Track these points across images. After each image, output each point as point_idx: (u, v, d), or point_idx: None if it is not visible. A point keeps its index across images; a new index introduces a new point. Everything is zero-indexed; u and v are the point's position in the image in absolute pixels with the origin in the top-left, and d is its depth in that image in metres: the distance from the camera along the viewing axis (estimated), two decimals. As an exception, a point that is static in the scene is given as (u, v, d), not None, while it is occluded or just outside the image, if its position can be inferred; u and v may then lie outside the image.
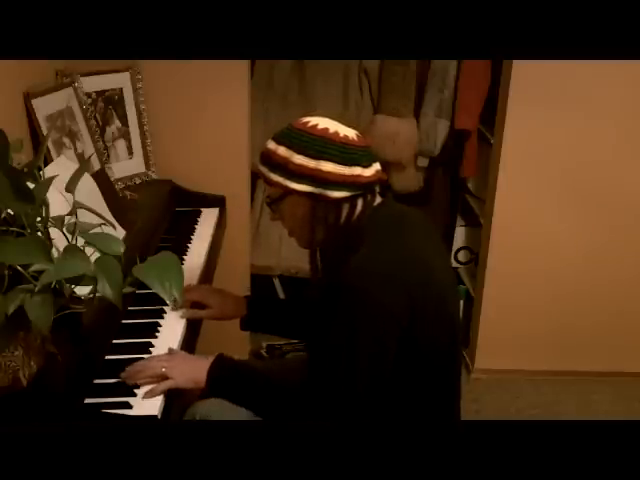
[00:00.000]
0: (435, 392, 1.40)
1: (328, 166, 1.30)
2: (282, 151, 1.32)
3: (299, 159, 1.31)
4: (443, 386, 1.42)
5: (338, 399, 1.29)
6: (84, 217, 1.16)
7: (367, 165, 1.34)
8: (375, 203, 1.38)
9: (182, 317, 1.61)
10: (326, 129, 1.33)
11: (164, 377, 1.35)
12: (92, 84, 2.09)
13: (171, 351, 1.47)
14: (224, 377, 1.40)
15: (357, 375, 1.29)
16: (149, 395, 1.32)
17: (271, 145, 1.35)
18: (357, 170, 1.32)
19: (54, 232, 1.11)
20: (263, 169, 1.37)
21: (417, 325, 1.30)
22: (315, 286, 1.45)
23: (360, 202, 1.35)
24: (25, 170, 1.10)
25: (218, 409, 1.44)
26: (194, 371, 1.38)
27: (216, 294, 1.69)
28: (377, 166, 1.37)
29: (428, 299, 1.31)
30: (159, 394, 1.33)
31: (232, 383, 1.40)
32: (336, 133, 1.33)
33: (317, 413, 1.31)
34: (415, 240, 1.38)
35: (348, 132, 1.36)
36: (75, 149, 1.88)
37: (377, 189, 1.40)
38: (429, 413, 1.40)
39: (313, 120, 1.35)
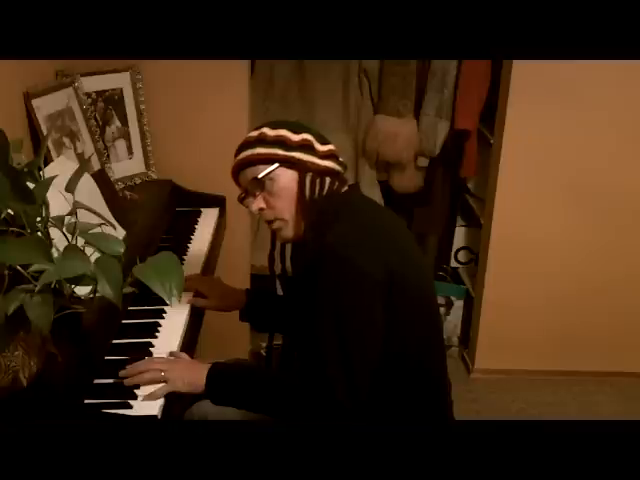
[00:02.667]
0: (420, 383, 1.41)
1: (310, 137, 1.44)
2: (267, 130, 1.44)
3: (284, 132, 1.43)
4: (427, 374, 1.43)
5: (334, 376, 1.29)
6: (84, 217, 1.16)
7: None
8: (342, 190, 1.47)
9: (186, 303, 1.65)
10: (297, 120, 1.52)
11: (163, 381, 1.36)
12: (92, 84, 2.09)
13: (172, 354, 1.47)
14: (223, 382, 1.40)
15: (350, 345, 1.29)
16: (147, 399, 1.32)
17: (254, 132, 1.46)
18: (332, 147, 1.47)
19: (54, 232, 1.11)
20: (248, 151, 1.44)
21: (397, 298, 1.32)
22: (295, 272, 1.52)
23: (337, 180, 1.45)
24: (25, 170, 1.09)
25: (217, 409, 1.44)
26: (193, 377, 1.38)
27: (218, 286, 1.76)
28: (342, 157, 1.51)
29: (405, 275, 1.35)
30: (157, 398, 1.33)
31: (231, 387, 1.40)
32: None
33: (317, 398, 1.31)
34: (387, 221, 1.47)
35: None
36: (75, 149, 1.88)
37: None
38: (416, 405, 1.41)
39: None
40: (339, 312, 1.30)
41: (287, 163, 1.41)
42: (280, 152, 1.41)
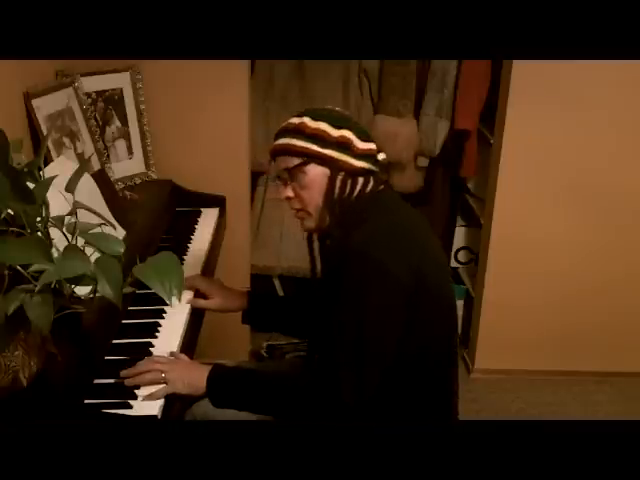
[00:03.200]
0: (433, 378, 1.42)
1: (350, 134, 1.41)
2: (308, 120, 1.42)
3: (324, 126, 1.40)
4: (440, 373, 1.43)
5: (346, 377, 1.29)
6: (84, 217, 1.16)
7: (378, 149, 1.46)
8: (376, 189, 1.45)
9: (186, 303, 1.65)
10: (342, 110, 1.48)
11: (163, 382, 1.36)
12: (92, 84, 2.09)
13: (172, 355, 1.47)
14: (223, 384, 1.40)
15: (367, 347, 1.30)
16: (147, 399, 1.32)
17: (295, 119, 1.44)
18: (373, 145, 1.44)
19: (54, 232, 1.11)
20: (284, 140, 1.43)
21: (418, 298, 1.32)
22: (317, 276, 1.51)
23: (372, 179, 1.44)
24: (25, 170, 1.09)
25: (217, 409, 1.44)
26: (193, 378, 1.39)
27: (218, 286, 1.74)
28: (384, 154, 1.48)
29: (428, 275, 1.35)
30: (157, 399, 1.33)
31: (232, 389, 1.41)
32: (351, 115, 1.48)
33: (321, 397, 1.32)
34: (415, 221, 1.45)
35: None
36: (75, 149, 1.88)
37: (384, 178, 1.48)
38: (427, 401, 1.42)
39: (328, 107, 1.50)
40: (361, 312, 1.30)
41: (320, 160, 1.40)
42: (315, 148, 1.40)
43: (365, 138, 1.43)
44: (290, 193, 1.45)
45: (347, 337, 1.30)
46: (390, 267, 1.29)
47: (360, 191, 1.42)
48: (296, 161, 1.41)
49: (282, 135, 1.44)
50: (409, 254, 1.33)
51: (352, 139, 1.41)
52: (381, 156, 1.46)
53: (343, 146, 1.40)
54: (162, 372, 1.36)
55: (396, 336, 1.33)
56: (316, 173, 1.41)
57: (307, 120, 1.42)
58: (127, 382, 1.34)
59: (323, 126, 1.40)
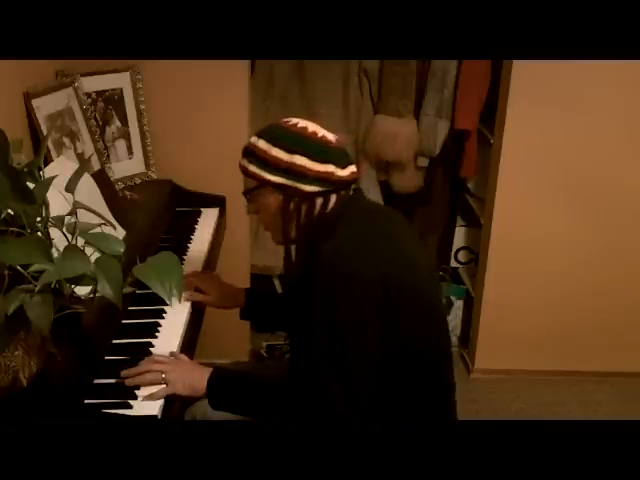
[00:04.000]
0: (424, 385, 1.41)
1: (302, 160, 1.35)
2: (262, 144, 1.38)
3: (275, 151, 1.36)
4: (433, 373, 1.43)
5: (332, 387, 1.29)
6: (84, 217, 1.17)
7: (341, 166, 1.39)
8: (339, 203, 1.42)
9: (185, 300, 1.66)
10: (305, 127, 1.39)
11: (164, 382, 1.36)
12: (92, 84, 2.10)
13: (172, 355, 1.47)
14: (223, 388, 1.40)
15: (346, 354, 1.29)
16: (147, 399, 1.33)
17: (253, 139, 1.42)
18: (330, 167, 1.37)
19: (54, 232, 1.11)
20: (243, 161, 1.43)
21: (394, 300, 1.31)
22: (293, 281, 1.50)
23: (333, 198, 1.40)
24: (25, 170, 1.09)
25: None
26: (194, 380, 1.39)
27: (217, 283, 1.76)
28: (353, 168, 1.42)
29: (404, 277, 1.34)
30: (157, 399, 1.33)
31: (232, 394, 1.40)
32: (314, 132, 1.39)
33: (316, 407, 1.32)
34: (387, 224, 1.44)
35: (326, 134, 1.41)
36: (75, 149, 1.88)
37: (352, 187, 1.44)
38: (421, 407, 1.41)
39: (295, 120, 1.42)
40: (333, 319, 1.29)
41: (272, 186, 1.38)
42: (265, 175, 1.37)
43: (322, 159, 1.36)
44: (253, 211, 1.48)
45: (324, 347, 1.30)
46: (357, 273, 1.28)
47: (321, 210, 1.38)
48: (251, 183, 1.42)
49: (242, 155, 1.43)
50: (378, 260, 1.31)
51: (304, 165, 1.35)
52: (344, 172, 1.38)
53: (294, 173, 1.35)
54: (162, 372, 1.36)
55: (375, 340, 1.32)
56: (269, 198, 1.40)
57: (261, 144, 1.38)
58: (127, 382, 1.34)
59: (275, 151, 1.36)
